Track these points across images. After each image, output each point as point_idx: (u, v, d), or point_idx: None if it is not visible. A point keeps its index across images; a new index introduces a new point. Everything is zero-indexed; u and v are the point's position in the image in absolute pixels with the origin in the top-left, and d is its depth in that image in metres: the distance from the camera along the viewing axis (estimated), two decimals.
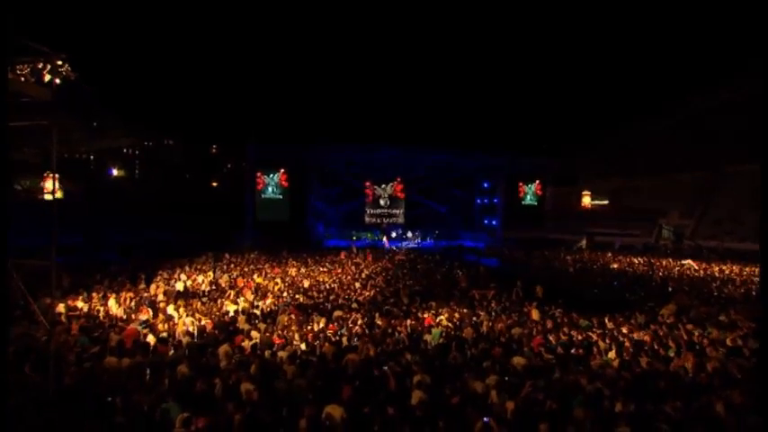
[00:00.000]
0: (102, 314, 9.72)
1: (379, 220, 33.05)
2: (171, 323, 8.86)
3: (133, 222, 30.69)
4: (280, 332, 8.34)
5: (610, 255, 24.43)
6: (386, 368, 6.29)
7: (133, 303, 10.50)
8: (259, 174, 26.37)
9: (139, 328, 8.38)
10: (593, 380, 6.34)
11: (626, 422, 4.89)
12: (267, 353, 7.19)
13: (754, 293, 13.03)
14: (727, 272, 18.12)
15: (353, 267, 17.23)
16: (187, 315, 9.38)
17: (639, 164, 47.55)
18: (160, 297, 11.44)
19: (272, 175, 26.59)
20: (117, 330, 8.02)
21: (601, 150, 49.27)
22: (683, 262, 20.62)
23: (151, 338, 7.85)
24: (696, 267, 19.43)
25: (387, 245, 27.43)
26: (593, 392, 5.86)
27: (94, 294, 11.00)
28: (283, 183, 26.70)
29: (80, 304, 10.21)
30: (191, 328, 8.57)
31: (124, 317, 9.47)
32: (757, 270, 18.18)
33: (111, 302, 10.45)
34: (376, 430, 4.90)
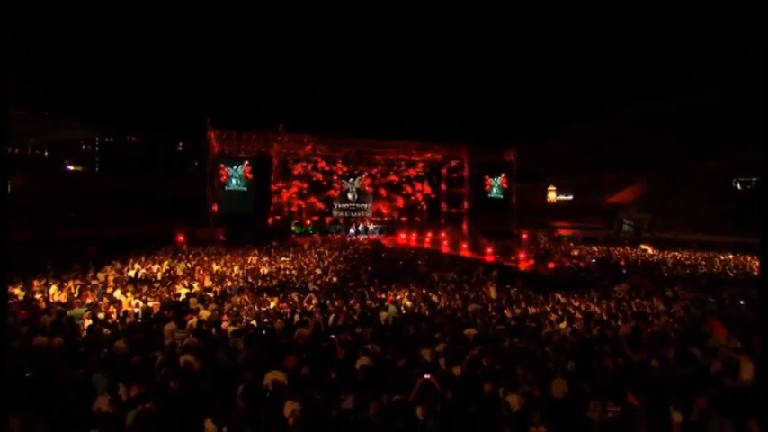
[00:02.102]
0: (41, 300, 9.16)
1: (346, 214, 32.87)
2: (117, 305, 8.45)
3: (91, 217, 29.46)
4: (230, 311, 8.08)
5: (571, 243, 25.13)
6: (333, 336, 6.17)
7: (77, 289, 9.94)
8: (222, 165, 25.62)
9: (81, 311, 7.93)
10: (540, 345, 6.45)
11: (564, 377, 4.97)
12: (213, 329, 6.94)
13: (698, 273, 13.71)
14: (678, 257, 18.96)
15: (316, 256, 17.00)
16: (135, 298, 8.99)
17: (602, 161, 49.31)
18: (110, 283, 10.91)
19: (235, 167, 25.89)
20: (52, 312, 7.55)
21: (566, 147, 50.86)
22: (641, 247, 21.50)
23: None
24: (651, 252, 20.28)
25: (352, 235, 27.35)
26: (539, 355, 5.95)
27: (35, 282, 10.40)
28: (247, 175, 26.05)
29: (17, 291, 9.60)
30: (136, 310, 8.19)
31: (65, 301, 8.95)
32: (705, 255, 19.15)
33: (53, 289, 9.88)
34: (317, 392, 4.77)
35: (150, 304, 8.61)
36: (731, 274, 13.45)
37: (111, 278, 11.62)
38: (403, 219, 33.38)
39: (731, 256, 18.95)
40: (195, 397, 4.63)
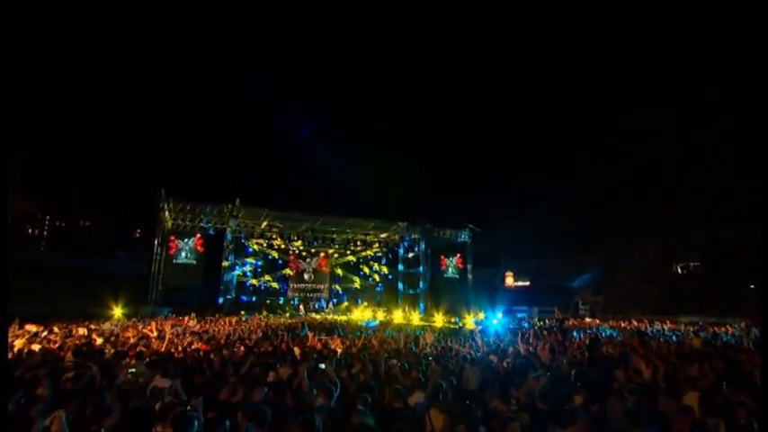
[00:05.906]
0: None
1: (302, 295, 31.96)
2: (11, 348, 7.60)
3: (26, 294, 26.94)
4: (139, 347, 7.45)
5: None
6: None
7: None
8: (172, 238, 24.97)
9: None
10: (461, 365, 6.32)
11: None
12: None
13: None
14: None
15: (261, 322, 16.17)
16: (35, 343, 8.15)
17: (551, 246, 51.67)
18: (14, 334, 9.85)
19: (186, 240, 25.26)
20: None
21: (517, 233, 53.23)
22: (586, 319, 22.07)
23: None
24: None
25: (303, 312, 26.43)
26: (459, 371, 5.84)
27: None
28: (198, 248, 25.37)
29: None
30: (32, 348, 7.40)
31: None
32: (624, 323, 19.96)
33: None
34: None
35: (53, 347, 7.83)
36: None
37: (16, 331, 10.52)
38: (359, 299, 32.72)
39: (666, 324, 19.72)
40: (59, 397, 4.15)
